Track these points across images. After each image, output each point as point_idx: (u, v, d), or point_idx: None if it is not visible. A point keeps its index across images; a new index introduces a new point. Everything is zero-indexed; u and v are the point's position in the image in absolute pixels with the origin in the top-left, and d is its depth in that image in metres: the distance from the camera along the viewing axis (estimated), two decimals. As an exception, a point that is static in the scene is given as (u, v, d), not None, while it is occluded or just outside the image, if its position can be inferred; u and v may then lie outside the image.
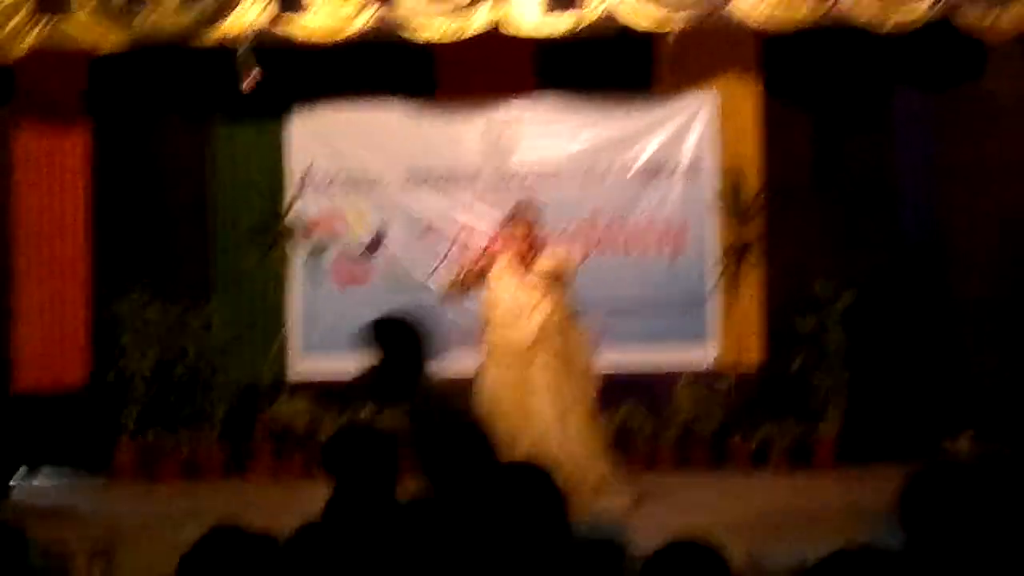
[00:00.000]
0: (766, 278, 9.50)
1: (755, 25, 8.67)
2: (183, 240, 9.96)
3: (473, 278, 7.82)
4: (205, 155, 9.94)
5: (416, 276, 9.69)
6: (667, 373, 9.64)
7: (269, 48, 8.77)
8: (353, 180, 9.93)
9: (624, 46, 9.33)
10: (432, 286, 9.23)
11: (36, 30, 8.47)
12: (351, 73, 9.72)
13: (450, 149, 9.88)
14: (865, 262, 9.55)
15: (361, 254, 9.87)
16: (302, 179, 9.81)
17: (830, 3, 8.33)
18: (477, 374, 7.74)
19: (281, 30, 8.50)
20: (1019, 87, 9.42)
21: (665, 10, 8.47)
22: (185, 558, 2.83)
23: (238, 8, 8.44)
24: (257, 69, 8.49)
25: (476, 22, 8.54)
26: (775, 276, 9.47)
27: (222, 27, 8.44)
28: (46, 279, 9.84)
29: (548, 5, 8.66)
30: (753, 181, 9.54)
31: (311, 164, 9.85)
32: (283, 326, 9.76)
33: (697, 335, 9.74)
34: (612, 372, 8.39)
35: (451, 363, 8.19)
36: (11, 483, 9.25)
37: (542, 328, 7.66)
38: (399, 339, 4.55)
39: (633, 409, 9.43)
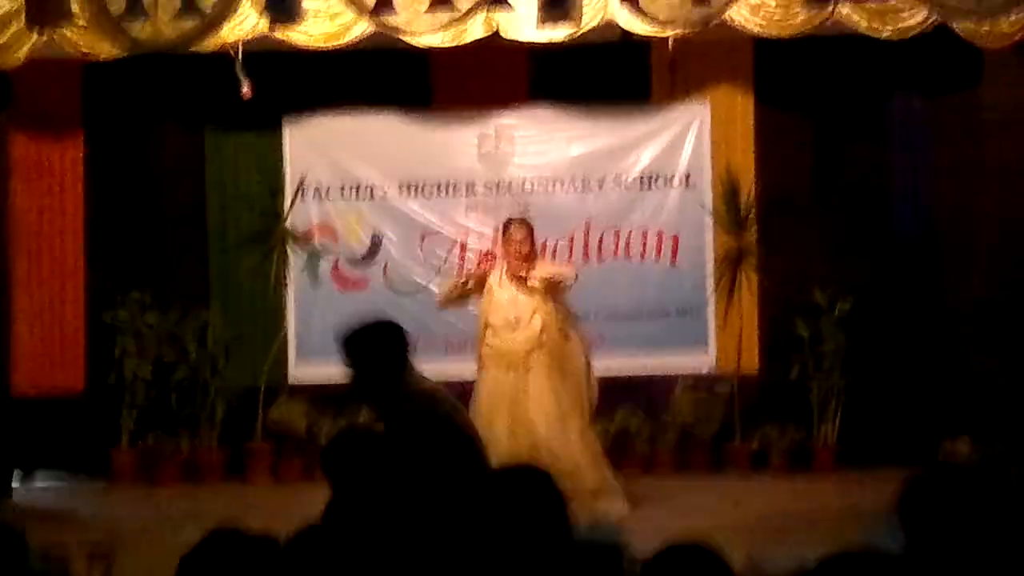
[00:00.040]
0: (763, 285, 9.51)
1: (752, 34, 8.67)
2: (180, 246, 9.96)
3: (473, 285, 7.82)
4: (202, 161, 9.95)
5: (413, 282, 9.71)
6: (665, 377, 9.67)
7: (266, 56, 8.77)
8: (349, 187, 9.92)
9: (620, 55, 9.33)
10: (431, 290, 9.25)
11: (34, 37, 8.46)
12: (347, 81, 9.71)
13: (446, 157, 9.88)
14: (863, 268, 9.56)
15: (358, 260, 9.88)
16: (298, 186, 9.81)
17: (827, 11, 8.33)
18: (476, 379, 7.74)
19: (278, 38, 8.49)
20: (1016, 94, 9.43)
21: (661, 20, 8.46)
22: (185, 560, 2.84)
23: (235, 17, 8.43)
24: (248, 81, 8.48)
25: (473, 31, 8.53)
26: (772, 283, 9.47)
27: (220, 35, 8.44)
28: (44, 284, 9.85)
29: (545, 15, 8.63)
30: (749, 189, 9.55)
31: (307, 171, 9.85)
32: (281, 330, 9.76)
33: (694, 341, 9.75)
34: (610, 376, 8.41)
35: (449, 368, 8.21)
36: (11, 486, 9.26)
37: (541, 334, 7.67)
38: (367, 347, 4.51)
39: (631, 413, 9.45)
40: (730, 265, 9.48)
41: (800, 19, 8.44)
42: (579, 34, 8.43)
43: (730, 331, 9.56)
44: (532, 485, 3.08)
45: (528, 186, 9.80)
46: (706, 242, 9.74)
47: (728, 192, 9.51)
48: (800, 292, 9.40)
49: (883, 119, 9.76)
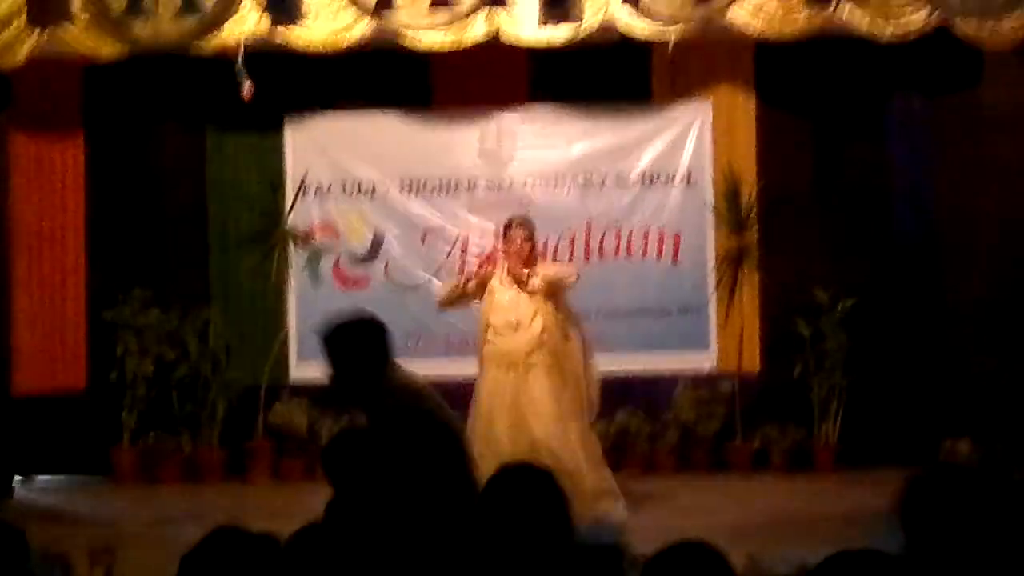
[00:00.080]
0: (764, 284, 9.51)
1: (753, 35, 8.67)
2: (181, 245, 9.97)
3: (474, 286, 7.82)
4: (202, 161, 9.95)
5: (414, 281, 9.71)
6: (665, 377, 9.67)
7: (267, 56, 8.77)
8: (350, 187, 9.92)
9: (621, 56, 9.33)
10: (431, 290, 9.24)
11: (34, 37, 8.45)
12: (348, 81, 9.72)
13: (447, 158, 9.88)
14: (863, 267, 9.56)
15: (359, 259, 9.88)
16: (300, 185, 9.81)
17: (828, 13, 8.32)
18: (476, 380, 7.74)
19: (279, 39, 8.48)
20: (1016, 94, 9.43)
21: (662, 20, 8.45)
22: (186, 559, 2.84)
23: (236, 17, 8.43)
24: (248, 82, 8.47)
25: (474, 32, 8.52)
26: (773, 282, 9.48)
27: (220, 36, 8.43)
28: (45, 283, 9.85)
29: (546, 15, 8.62)
30: (750, 188, 9.55)
31: (308, 170, 9.86)
32: (282, 330, 9.77)
33: (696, 341, 9.75)
34: (610, 377, 8.40)
35: (450, 368, 8.21)
36: (12, 486, 9.27)
37: (542, 334, 7.66)
38: (347, 343, 4.47)
39: (631, 413, 9.45)
40: (731, 264, 9.49)
41: (801, 20, 8.44)
42: (579, 36, 8.42)
43: (731, 330, 9.56)
44: (534, 484, 3.08)
45: (529, 186, 9.80)
46: (707, 241, 9.74)
47: (729, 192, 9.51)
48: (801, 291, 9.40)
49: (883, 119, 9.76)
